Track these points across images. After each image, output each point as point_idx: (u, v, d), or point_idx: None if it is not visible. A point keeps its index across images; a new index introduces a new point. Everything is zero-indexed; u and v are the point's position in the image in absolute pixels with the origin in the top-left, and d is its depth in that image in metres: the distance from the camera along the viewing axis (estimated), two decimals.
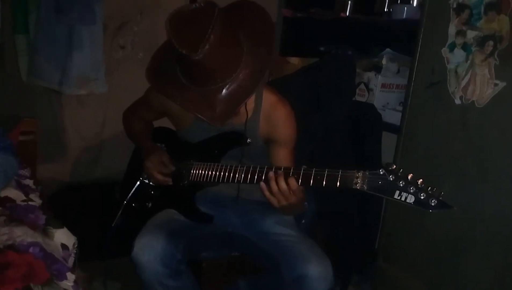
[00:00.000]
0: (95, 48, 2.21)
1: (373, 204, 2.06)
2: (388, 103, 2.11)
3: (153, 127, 1.79)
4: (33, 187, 1.58)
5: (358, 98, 2.15)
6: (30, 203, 1.43)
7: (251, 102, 1.50)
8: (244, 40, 1.36)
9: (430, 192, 1.10)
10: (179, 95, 1.38)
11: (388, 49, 2.13)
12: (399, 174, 1.14)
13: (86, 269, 1.41)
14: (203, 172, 1.49)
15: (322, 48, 2.43)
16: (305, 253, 1.39)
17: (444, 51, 1.59)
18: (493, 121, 1.46)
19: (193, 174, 1.51)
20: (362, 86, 2.14)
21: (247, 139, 1.49)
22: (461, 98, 1.54)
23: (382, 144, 2.03)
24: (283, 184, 1.27)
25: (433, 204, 1.10)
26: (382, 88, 2.09)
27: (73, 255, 1.31)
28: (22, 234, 1.19)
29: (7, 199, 1.40)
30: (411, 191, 1.11)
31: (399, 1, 2.21)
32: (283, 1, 2.75)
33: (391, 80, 2.10)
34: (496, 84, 1.44)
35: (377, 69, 2.11)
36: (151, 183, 1.64)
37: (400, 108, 1.95)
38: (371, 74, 2.11)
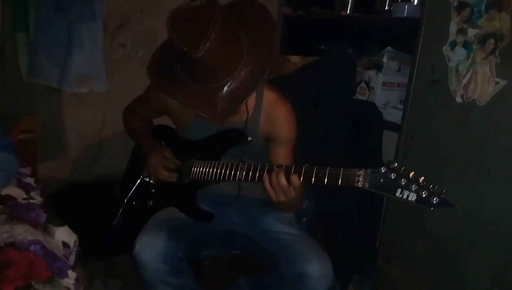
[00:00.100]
0: (95, 46, 2.21)
1: (373, 204, 2.06)
2: (389, 102, 2.11)
3: (153, 125, 1.78)
4: (34, 185, 1.58)
5: (359, 96, 2.15)
6: (31, 201, 1.43)
7: (251, 101, 1.50)
8: (245, 38, 1.37)
9: (431, 190, 1.10)
10: (180, 93, 1.38)
11: (388, 48, 2.13)
12: (401, 172, 1.14)
13: (86, 267, 1.41)
14: (204, 170, 1.49)
15: (322, 47, 2.43)
16: (306, 251, 1.39)
17: (445, 49, 1.59)
18: (494, 119, 1.46)
19: (194, 172, 1.51)
20: (363, 84, 2.14)
21: (247, 137, 1.49)
22: (462, 96, 1.54)
23: (383, 142, 2.03)
24: (283, 179, 1.27)
25: (434, 202, 1.10)
26: (383, 86, 2.09)
27: (74, 253, 1.31)
28: (23, 232, 1.19)
29: (8, 197, 1.40)
30: (413, 189, 1.11)
31: None
32: None
33: (392, 79, 2.10)
34: (497, 82, 1.44)
35: (378, 67, 2.11)
36: (151, 181, 1.64)
37: (401, 106, 1.95)
38: (372, 73, 2.11)
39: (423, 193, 1.10)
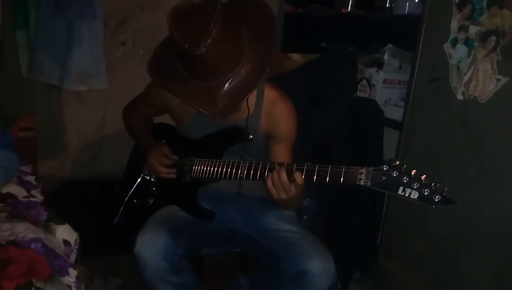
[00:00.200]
0: (95, 44, 2.21)
1: (374, 201, 2.06)
2: (390, 99, 2.10)
3: (153, 123, 1.78)
4: (35, 183, 1.57)
5: (360, 94, 2.15)
6: (31, 199, 1.43)
7: (252, 98, 1.50)
8: (246, 35, 1.36)
9: (433, 188, 1.10)
10: (181, 90, 1.38)
11: (389, 45, 2.12)
12: (403, 170, 1.14)
13: (87, 265, 1.41)
14: (205, 168, 1.48)
15: (323, 44, 2.43)
16: (307, 249, 1.38)
17: (446, 46, 1.59)
18: (495, 116, 1.46)
19: (195, 170, 1.51)
20: (364, 82, 2.13)
21: (248, 135, 1.48)
22: (463, 93, 1.54)
23: (384, 140, 2.02)
24: (284, 176, 1.26)
25: (436, 200, 1.09)
26: (384, 84, 2.08)
27: (75, 251, 1.31)
28: (24, 230, 1.18)
29: (9, 195, 1.40)
30: (415, 187, 1.11)
31: None
32: None
33: (393, 76, 2.10)
34: (498, 80, 1.43)
35: (379, 65, 2.11)
36: (152, 179, 1.64)
37: (402, 104, 1.95)
38: (372, 70, 2.11)
39: (425, 191, 1.10)
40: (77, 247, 1.33)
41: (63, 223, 1.33)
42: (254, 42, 1.36)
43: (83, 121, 2.43)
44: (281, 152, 1.52)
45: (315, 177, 1.24)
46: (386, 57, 2.10)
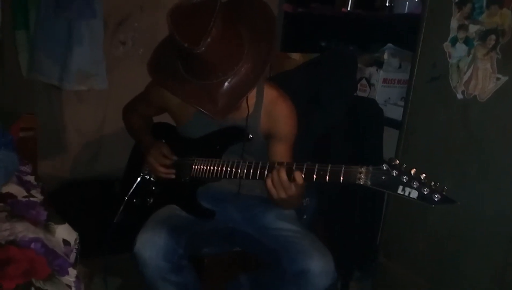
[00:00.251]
0: (95, 44, 2.21)
1: (374, 201, 2.06)
2: (389, 98, 2.10)
3: (153, 122, 1.78)
4: (35, 183, 1.57)
5: (359, 93, 2.15)
6: (31, 199, 1.42)
7: (252, 98, 1.50)
8: (246, 34, 1.36)
9: (433, 187, 1.10)
10: (181, 89, 1.38)
11: (389, 44, 2.12)
12: (402, 169, 1.14)
13: (86, 265, 1.41)
14: (204, 167, 1.48)
15: (323, 44, 2.43)
16: (307, 248, 1.38)
17: (446, 45, 1.59)
18: (495, 115, 1.46)
19: (195, 170, 1.51)
20: (364, 81, 2.13)
21: (248, 135, 1.48)
22: (463, 92, 1.54)
23: (384, 139, 2.02)
24: (284, 176, 1.26)
25: (436, 199, 1.09)
26: (383, 83, 2.08)
27: (74, 251, 1.31)
28: (23, 230, 1.18)
29: (9, 195, 1.40)
30: (415, 186, 1.11)
31: None
32: None
33: (392, 75, 2.09)
34: (498, 79, 1.43)
35: (379, 64, 2.10)
36: (152, 179, 1.64)
37: (402, 103, 1.94)
38: (372, 69, 2.11)
39: (425, 190, 1.10)
40: (76, 247, 1.33)
41: (63, 223, 1.33)
42: (254, 41, 1.36)
43: (83, 121, 2.43)
44: (281, 152, 1.52)
45: (314, 177, 1.24)
46: (386, 56, 2.10)
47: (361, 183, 1.17)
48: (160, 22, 2.30)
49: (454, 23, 1.56)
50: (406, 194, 1.12)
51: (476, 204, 1.49)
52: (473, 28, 1.50)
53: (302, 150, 1.65)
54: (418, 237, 1.72)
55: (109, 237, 1.57)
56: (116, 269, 1.78)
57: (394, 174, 1.13)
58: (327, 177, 1.22)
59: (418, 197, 1.11)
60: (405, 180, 1.12)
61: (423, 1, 1.72)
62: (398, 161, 1.15)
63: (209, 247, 1.63)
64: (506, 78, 1.41)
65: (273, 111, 1.52)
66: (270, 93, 1.53)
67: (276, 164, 1.32)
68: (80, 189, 2.39)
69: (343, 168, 1.20)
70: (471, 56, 1.51)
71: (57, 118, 2.37)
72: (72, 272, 1.15)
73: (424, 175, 1.11)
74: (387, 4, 2.24)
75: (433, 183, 1.11)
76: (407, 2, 2.09)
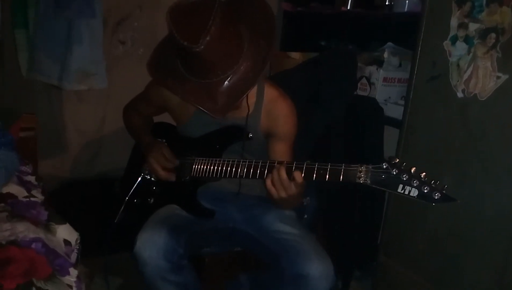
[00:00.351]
0: (95, 43, 2.21)
1: (375, 200, 2.06)
2: (390, 97, 2.10)
3: (153, 122, 1.78)
4: (35, 183, 1.57)
5: (359, 92, 2.15)
6: (32, 199, 1.42)
7: (252, 97, 1.50)
8: (245, 33, 1.36)
9: (433, 185, 1.10)
10: (180, 88, 1.38)
11: (389, 43, 2.12)
12: (402, 167, 1.14)
13: (87, 264, 1.41)
14: (204, 167, 1.48)
15: (323, 43, 2.42)
16: (307, 251, 1.38)
17: (446, 44, 1.58)
18: (495, 114, 1.45)
19: (195, 169, 1.51)
20: (364, 80, 2.13)
21: (248, 134, 1.48)
22: (463, 91, 1.53)
23: (384, 138, 2.02)
24: (284, 175, 1.26)
25: (436, 198, 1.09)
26: (383, 82, 2.08)
27: (75, 250, 1.31)
28: (24, 230, 1.18)
29: (9, 195, 1.39)
30: (415, 184, 1.11)
31: None
32: None
33: (392, 74, 2.09)
34: (498, 77, 1.43)
35: (379, 63, 2.10)
36: (152, 178, 1.63)
37: (402, 102, 1.94)
38: (372, 68, 2.11)
39: (425, 188, 1.10)
40: (77, 247, 1.33)
41: (64, 223, 1.33)
42: (254, 40, 1.36)
43: (83, 121, 2.43)
44: (281, 151, 1.52)
45: (314, 176, 1.24)
46: (386, 55, 2.10)
47: (361, 181, 1.17)
48: (160, 22, 2.30)
49: (454, 22, 1.56)
50: (406, 192, 1.12)
51: (476, 203, 1.49)
52: (473, 27, 1.50)
53: (302, 149, 1.65)
54: (419, 237, 1.72)
55: (110, 237, 1.57)
56: (116, 268, 1.78)
57: (394, 173, 1.13)
58: (327, 176, 1.22)
59: (418, 195, 1.11)
60: (405, 179, 1.12)
61: None
62: (398, 160, 1.15)
63: (209, 247, 1.63)
64: (507, 76, 1.41)
65: (273, 110, 1.52)
66: (270, 92, 1.53)
67: (276, 163, 1.32)
68: (80, 189, 2.39)
69: (343, 167, 1.20)
70: (471, 54, 1.51)
71: (57, 118, 2.37)
72: (73, 272, 1.15)
73: (424, 173, 1.12)
74: (387, 3, 2.24)
75: (433, 181, 1.11)
76: (407, 1, 2.09)
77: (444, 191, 1.10)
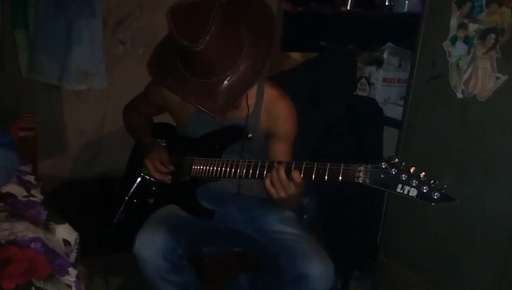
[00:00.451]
0: (95, 43, 2.21)
1: (374, 200, 2.05)
2: (389, 98, 2.10)
3: (153, 122, 1.78)
4: (35, 183, 1.57)
5: (359, 92, 2.15)
6: (31, 198, 1.42)
7: (252, 97, 1.50)
8: (245, 33, 1.36)
9: (432, 185, 1.10)
10: (180, 87, 1.38)
11: (389, 43, 2.12)
12: (402, 167, 1.14)
13: (86, 264, 1.41)
14: (204, 167, 1.48)
15: (323, 43, 2.42)
16: (307, 252, 1.38)
17: (446, 44, 1.58)
18: (495, 115, 1.45)
19: (194, 170, 1.51)
20: (363, 80, 2.13)
21: (248, 134, 1.48)
22: (463, 92, 1.54)
23: (384, 138, 2.03)
24: (283, 175, 1.26)
25: (435, 197, 1.09)
26: (383, 82, 2.08)
27: (75, 250, 1.31)
28: (23, 230, 1.18)
29: (9, 194, 1.39)
30: (414, 184, 1.11)
31: None
32: None
33: (392, 74, 2.09)
34: (498, 78, 1.43)
35: (379, 63, 2.11)
36: (152, 179, 1.63)
37: (402, 102, 1.95)
38: (372, 68, 2.11)
39: (424, 188, 1.10)
40: (77, 247, 1.32)
41: (63, 223, 1.33)
42: (254, 40, 1.36)
43: (83, 121, 2.43)
44: (280, 151, 1.52)
45: (313, 175, 1.24)
46: (385, 55, 2.10)
47: (360, 181, 1.17)
48: (160, 22, 2.30)
49: (453, 22, 1.56)
50: (405, 192, 1.12)
51: (476, 203, 1.49)
52: (472, 27, 1.50)
53: (302, 149, 1.65)
54: (418, 237, 1.72)
55: (109, 236, 1.57)
56: (116, 268, 1.78)
57: (393, 173, 1.13)
58: (326, 176, 1.22)
59: (417, 195, 1.11)
60: (404, 178, 1.12)
61: (423, 0, 1.72)
62: (397, 160, 1.15)
63: (208, 247, 1.63)
64: (506, 77, 1.41)
65: (273, 110, 1.52)
66: (270, 92, 1.53)
67: (275, 163, 1.32)
68: (80, 189, 2.39)
69: (342, 167, 1.20)
70: (470, 55, 1.51)
71: (57, 118, 2.37)
72: (73, 272, 1.15)
73: (423, 173, 1.12)
74: (386, 3, 2.24)
75: (432, 181, 1.11)
76: (406, 1, 2.09)
77: (443, 191, 1.09)
